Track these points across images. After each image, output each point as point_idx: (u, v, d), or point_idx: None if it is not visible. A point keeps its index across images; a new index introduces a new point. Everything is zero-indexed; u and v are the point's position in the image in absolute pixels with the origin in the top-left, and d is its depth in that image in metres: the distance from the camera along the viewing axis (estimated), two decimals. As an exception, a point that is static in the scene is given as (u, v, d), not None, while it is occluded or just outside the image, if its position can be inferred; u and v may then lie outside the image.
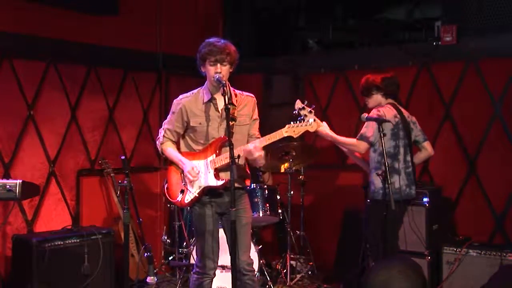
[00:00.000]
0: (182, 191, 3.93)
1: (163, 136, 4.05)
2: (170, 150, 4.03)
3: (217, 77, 3.75)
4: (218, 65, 3.78)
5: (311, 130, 3.75)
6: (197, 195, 3.89)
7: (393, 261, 4.00)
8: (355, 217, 5.53)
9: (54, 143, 5.57)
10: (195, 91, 3.99)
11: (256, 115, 4.05)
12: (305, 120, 3.74)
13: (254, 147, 3.78)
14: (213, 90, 3.90)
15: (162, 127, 4.08)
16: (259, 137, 3.95)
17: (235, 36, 6.24)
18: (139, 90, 6.27)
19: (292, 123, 3.75)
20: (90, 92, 5.82)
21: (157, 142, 4.10)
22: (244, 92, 4.03)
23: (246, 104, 3.98)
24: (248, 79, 6.35)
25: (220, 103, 3.88)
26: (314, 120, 3.75)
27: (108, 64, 5.92)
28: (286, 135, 3.75)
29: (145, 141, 6.32)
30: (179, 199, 3.95)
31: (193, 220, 4.05)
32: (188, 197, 3.92)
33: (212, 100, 3.91)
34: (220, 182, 3.84)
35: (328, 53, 6.53)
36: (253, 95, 4.07)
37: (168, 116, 4.08)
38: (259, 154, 3.79)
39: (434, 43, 5.59)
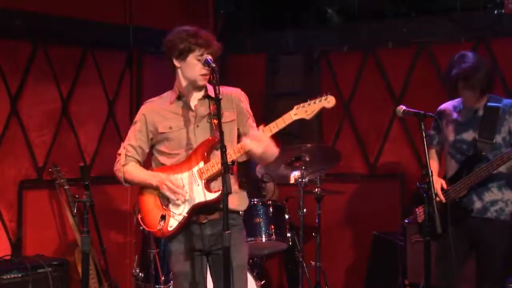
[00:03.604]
0: (163, 217, 3.89)
1: (125, 155, 3.97)
2: (133, 171, 3.96)
3: (207, 59, 3.74)
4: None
5: (328, 106, 3.76)
6: (186, 215, 3.85)
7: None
8: (389, 243, 5.52)
9: (-14, 146, 5.47)
10: (163, 94, 4.04)
11: (247, 108, 4.04)
12: (320, 96, 3.75)
13: (253, 137, 3.77)
14: (185, 90, 3.92)
15: (122, 145, 4.04)
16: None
17: (229, 4, 6.35)
18: (102, 74, 6.16)
19: (301, 103, 3.78)
20: (36, 77, 5.72)
21: (115, 168, 4.00)
22: (226, 87, 3.99)
23: (227, 97, 3.93)
24: (247, 60, 6.37)
25: (193, 100, 3.93)
26: (331, 94, 3.78)
27: (62, 40, 5.84)
28: (296, 119, 3.78)
29: (110, 143, 6.05)
30: (161, 228, 3.91)
31: (169, 259, 4.01)
32: (173, 222, 3.88)
33: (181, 97, 3.94)
34: (214, 195, 3.80)
35: (352, 26, 6.48)
36: (238, 89, 4.07)
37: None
38: (263, 145, 3.76)
39: (496, 12, 5.63)
